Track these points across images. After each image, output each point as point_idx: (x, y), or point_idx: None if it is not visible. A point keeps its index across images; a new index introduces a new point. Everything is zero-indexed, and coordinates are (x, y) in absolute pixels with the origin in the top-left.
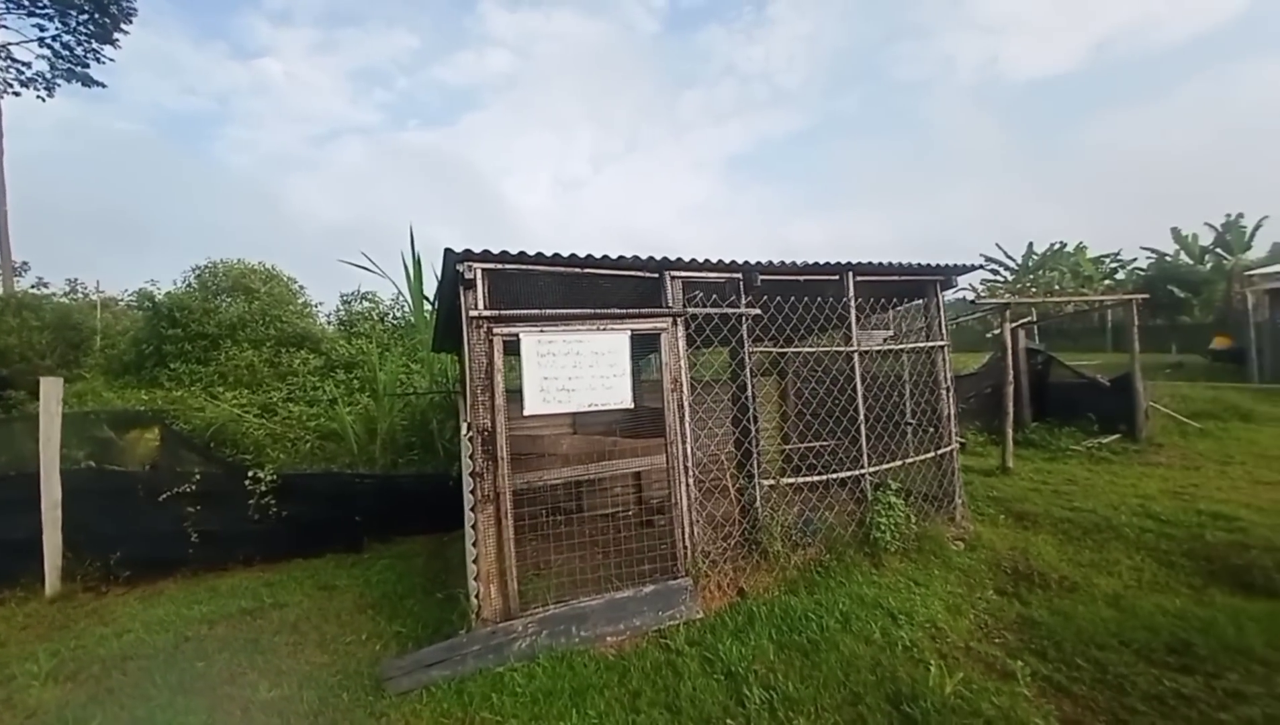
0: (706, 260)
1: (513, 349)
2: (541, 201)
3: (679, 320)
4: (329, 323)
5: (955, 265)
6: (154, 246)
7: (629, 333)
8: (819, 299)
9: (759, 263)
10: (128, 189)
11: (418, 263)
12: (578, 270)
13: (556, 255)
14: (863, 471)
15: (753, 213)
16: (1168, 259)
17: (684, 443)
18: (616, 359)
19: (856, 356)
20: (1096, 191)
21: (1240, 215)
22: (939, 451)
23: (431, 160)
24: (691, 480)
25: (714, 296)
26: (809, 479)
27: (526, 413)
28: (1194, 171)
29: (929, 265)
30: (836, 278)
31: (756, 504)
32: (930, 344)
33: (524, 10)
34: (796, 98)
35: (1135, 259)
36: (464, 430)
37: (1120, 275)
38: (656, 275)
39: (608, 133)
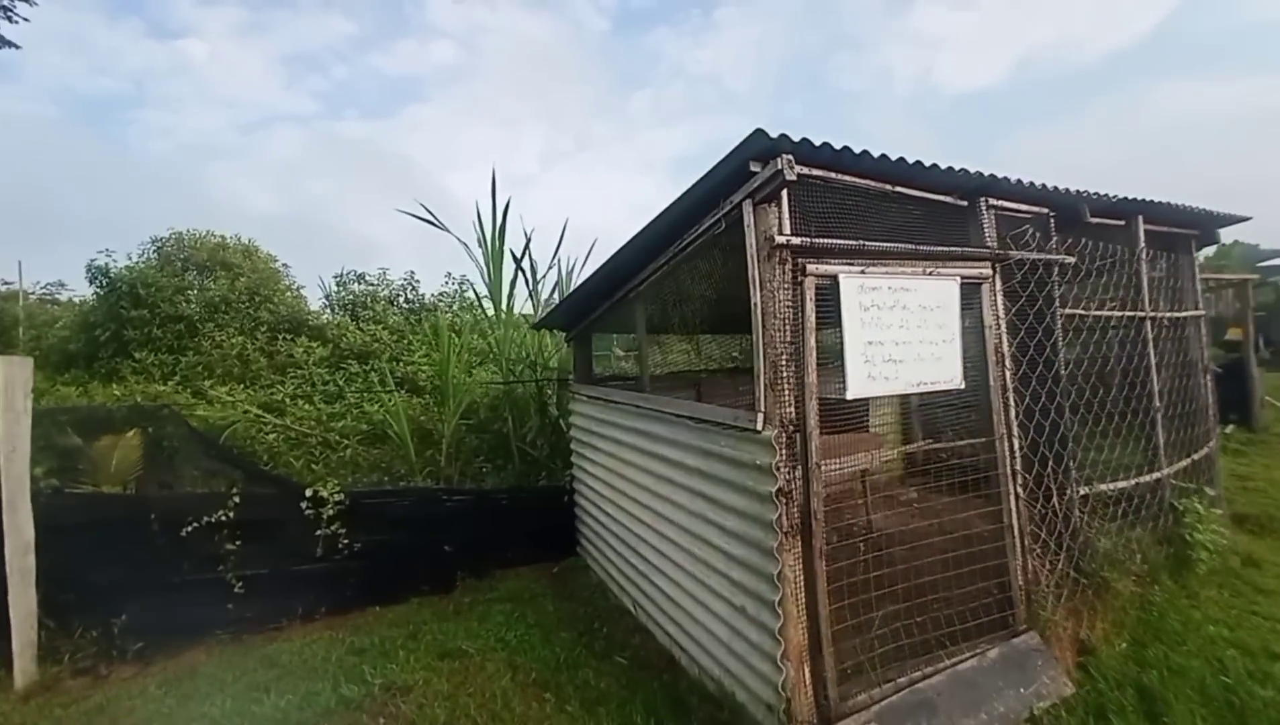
0: (1031, 183)
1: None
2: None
3: (998, 267)
4: (325, 307)
5: (1222, 214)
6: (60, 238)
7: (959, 281)
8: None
9: (1086, 193)
10: (30, 176)
11: (504, 212)
12: (888, 186)
13: (884, 156)
14: (1162, 473)
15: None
16: None
17: (1012, 437)
18: (946, 318)
19: (1149, 323)
20: None
21: None
22: (1197, 453)
23: (371, 152)
24: (1021, 488)
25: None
26: (1118, 485)
27: (850, 396)
28: (1111, 182)
29: (1207, 211)
30: (1123, 223)
31: (1074, 520)
32: (1195, 313)
33: (468, 0)
34: (744, 102)
35: None
36: (759, 423)
37: None
38: (965, 203)
39: (557, 130)
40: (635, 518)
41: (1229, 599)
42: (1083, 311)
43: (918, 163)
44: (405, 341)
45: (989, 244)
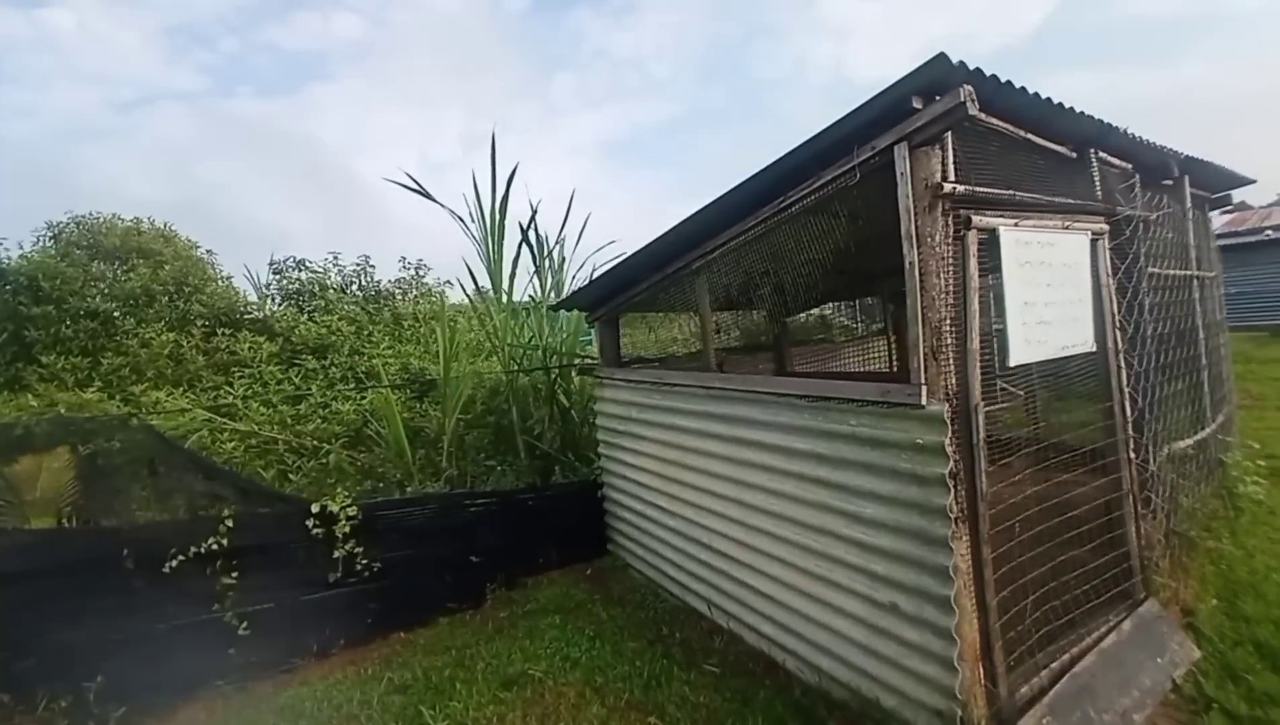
0: (1135, 137)
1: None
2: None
3: (1110, 223)
4: (266, 297)
5: (1240, 176)
6: None
7: (1089, 236)
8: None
9: (1171, 151)
10: None
11: (508, 182)
12: (1021, 131)
13: (1026, 91)
14: (1209, 429)
15: (628, 198)
16: None
17: (1125, 401)
18: (1080, 276)
19: (1196, 283)
20: None
21: None
22: (1228, 409)
23: (270, 133)
24: (1134, 453)
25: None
26: (1187, 443)
27: (1012, 362)
28: None
29: (1233, 173)
30: (1171, 183)
31: (1164, 479)
32: (1215, 274)
33: None
34: (667, 87)
35: None
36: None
37: None
38: (1075, 155)
39: (477, 113)
40: (707, 510)
41: (1274, 547)
42: (1158, 270)
43: (1056, 104)
44: (365, 333)
45: (1098, 197)
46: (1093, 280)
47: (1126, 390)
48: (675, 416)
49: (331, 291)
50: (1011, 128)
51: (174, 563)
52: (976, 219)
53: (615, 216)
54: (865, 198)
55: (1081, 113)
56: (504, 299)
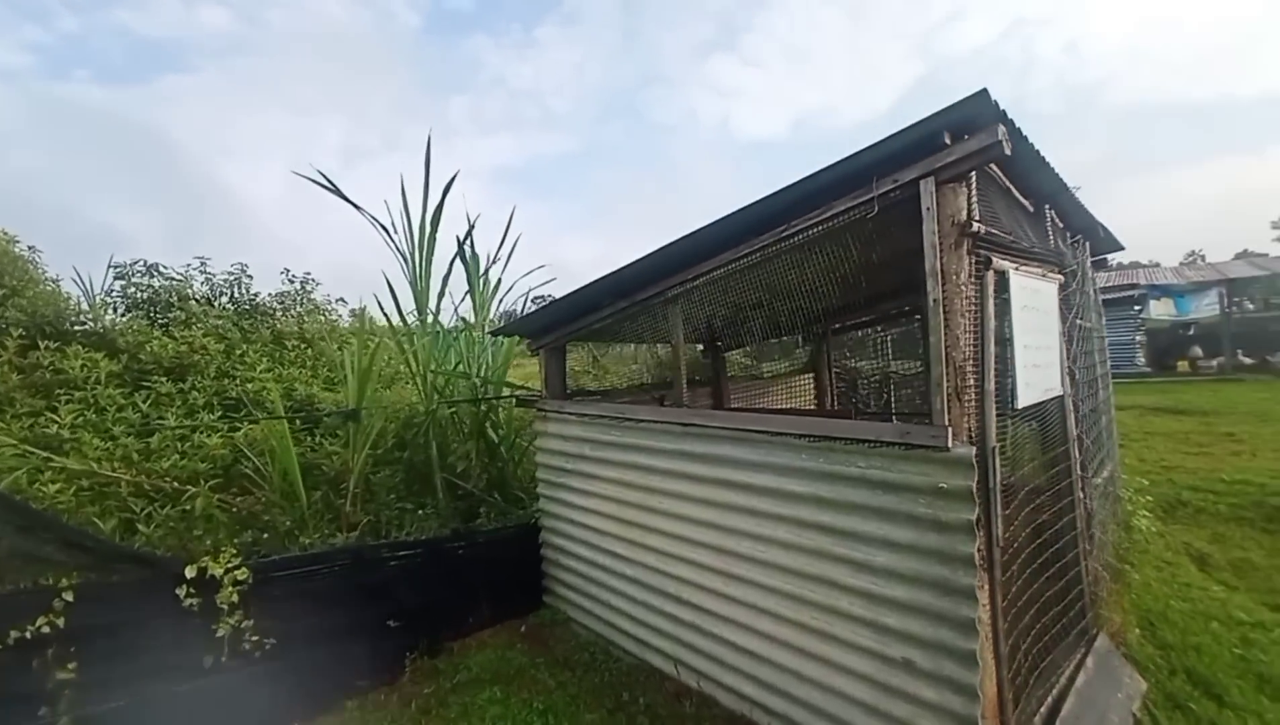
0: (1076, 199)
1: None
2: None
3: (1061, 277)
4: (110, 306)
5: (1117, 246)
6: None
7: (1057, 285)
8: None
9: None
10: None
11: (445, 191)
12: (1008, 182)
13: (1027, 141)
14: (1113, 465)
15: (523, 226)
16: None
17: (1075, 437)
18: (1053, 323)
19: (1094, 335)
20: None
21: None
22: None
23: (111, 124)
24: (1084, 492)
25: None
26: (1102, 477)
27: (1021, 404)
28: None
29: (1118, 243)
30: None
31: (1097, 516)
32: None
33: None
34: (566, 121)
35: None
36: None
37: None
38: (1032, 209)
39: (362, 127)
40: (677, 558)
41: (1165, 576)
42: (1081, 322)
43: (1041, 157)
44: (238, 353)
45: (1051, 250)
46: (1058, 328)
47: (1076, 433)
48: (640, 455)
49: (194, 302)
50: (1001, 175)
51: None
52: (996, 260)
53: (494, 241)
54: (873, 229)
55: (1052, 168)
56: (429, 320)
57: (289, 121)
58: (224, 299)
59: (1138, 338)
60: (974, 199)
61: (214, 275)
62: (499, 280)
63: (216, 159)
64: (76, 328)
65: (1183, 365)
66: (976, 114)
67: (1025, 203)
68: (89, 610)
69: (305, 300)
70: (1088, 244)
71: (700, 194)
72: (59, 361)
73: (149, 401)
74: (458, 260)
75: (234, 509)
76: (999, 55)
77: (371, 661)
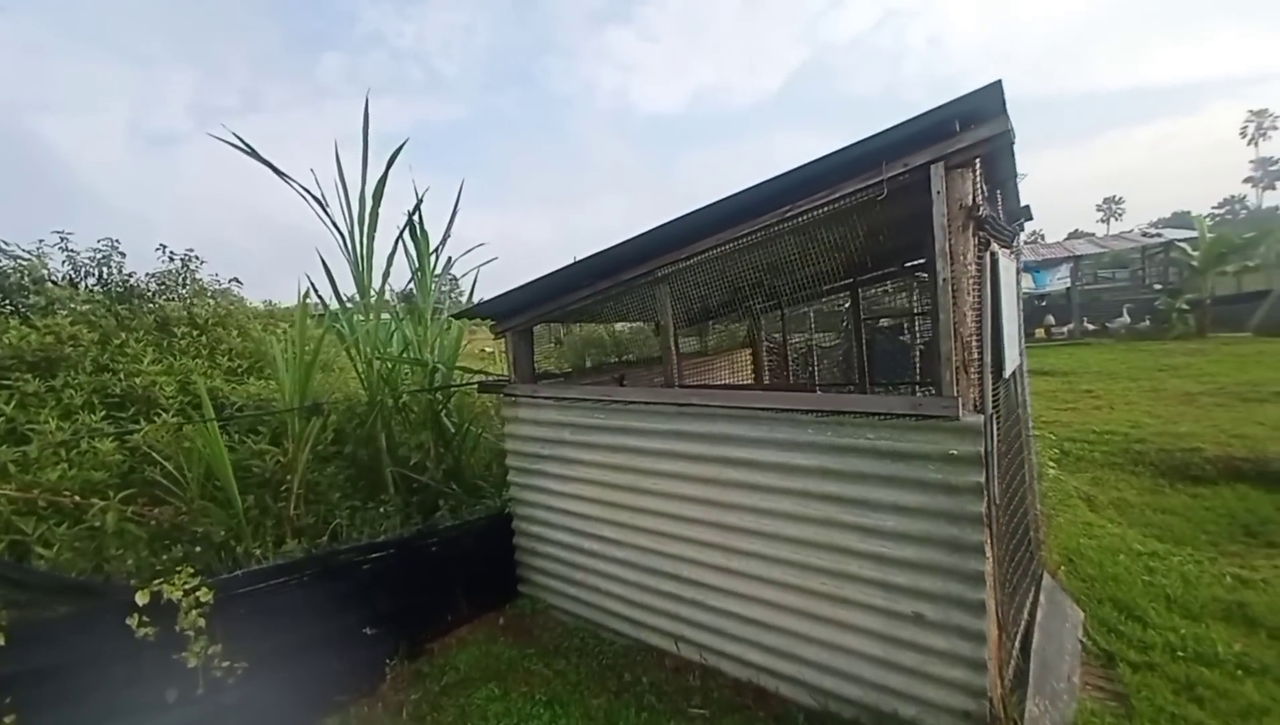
0: (1017, 186)
1: None
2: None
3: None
4: None
5: None
6: None
7: (1016, 265)
8: None
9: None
10: None
11: (391, 160)
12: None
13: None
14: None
15: (412, 197)
16: None
17: (1026, 401)
18: (1014, 297)
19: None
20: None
21: None
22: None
23: None
24: (1032, 449)
25: None
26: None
27: (1006, 374)
28: None
29: None
30: None
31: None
32: None
33: None
34: (454, 87)
35: None
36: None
37: None
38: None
39: (216, 82)
40: (673, 537)
41: (1071, 518)
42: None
43: (1011, 144)
44: (117, 343)
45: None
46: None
47: (1027, 397)
48: (630, 437)
49: (55, 285)
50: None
51: None
52: (992, 243)
53: (395, 218)
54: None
55: (1014, 156)
56: (372, 302)
57: (126, 73)
58: (90, 281)
59: None
60: (980, 183)
61: (77, 252)
62: (449, 258)
63: (34, 114)
64: None
65: (1039, 332)
66: (985, 105)
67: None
68: (24, 653)
69: (190, 281)
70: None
71: (602, 166)
72: None
73: (11, 402)
74: (403, 239)
75: (150, 522)
76: (875, 44)
77: (349, 673)
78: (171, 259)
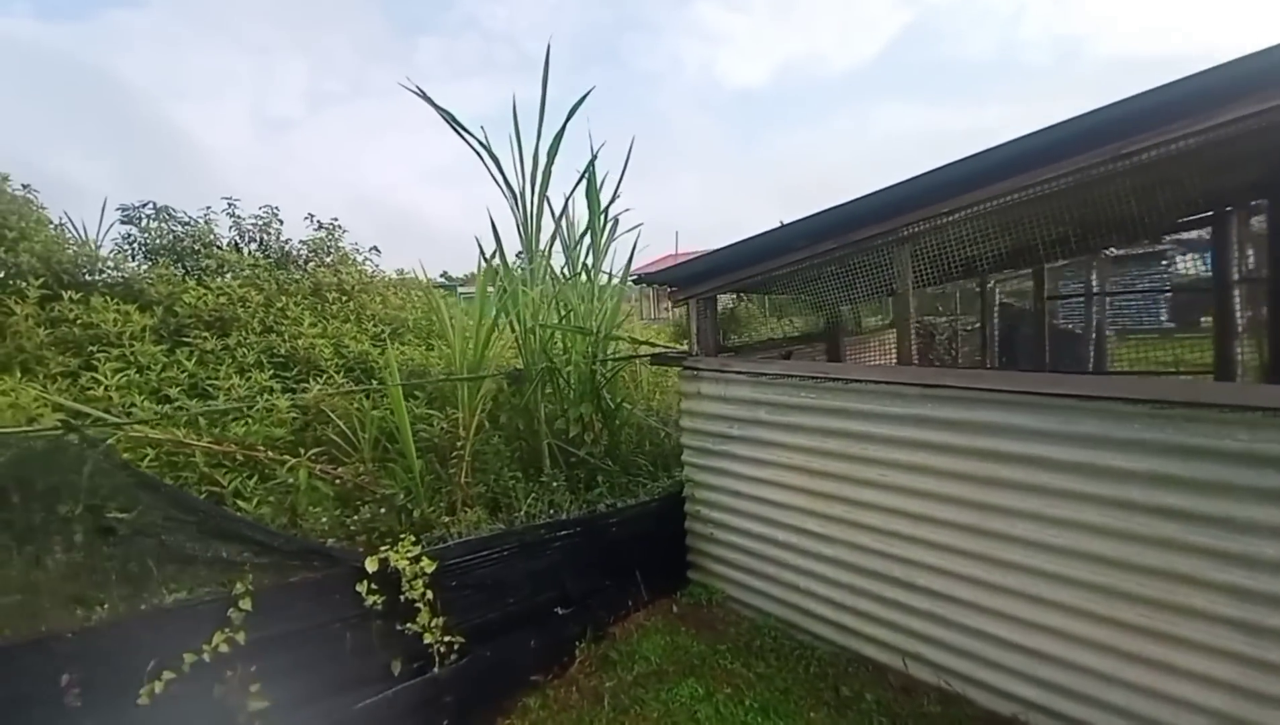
0: None
1: None
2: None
3: None
4: (129, 253)
5: None
6: None
7: None
8: None
9: None
10: None
11: (570, 113)
12: None
13: None
14: None
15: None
16: None
17: None
18: None
19: None
20: (775, 187)
21: None
22: None
23: (54, 63)
24: None
25: None
26: None
27: None
28: (842, 183)
29: None
30: None
31: None
32: None
33: None
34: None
35: None
36: None
37: None
38: None
39: (327, 69)
40: (908, 538)
41: None
42: None
43: None
44: (278, 306)
45: None
46: None
47: None
48: (849, 420)
49: (220, 249)
50: None
51: (156, 684)
52: None
53: (492, 196)
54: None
55: None
56: (543, 267)
57: (247, 61)
58: (252, 246)
59: None
60: None
61: (242, 218)
62: (615, 220)
63: (171, 102)
64: (97, 279)
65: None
66: None
67: None
68: (267, 619)
69: (335, 248)
70: None
71: (685, 144)
72: (87, 315)
73: (193, 359)
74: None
75: (335, 480)
76: (990, 4)
77: (543, 653)
78: (319, 227)
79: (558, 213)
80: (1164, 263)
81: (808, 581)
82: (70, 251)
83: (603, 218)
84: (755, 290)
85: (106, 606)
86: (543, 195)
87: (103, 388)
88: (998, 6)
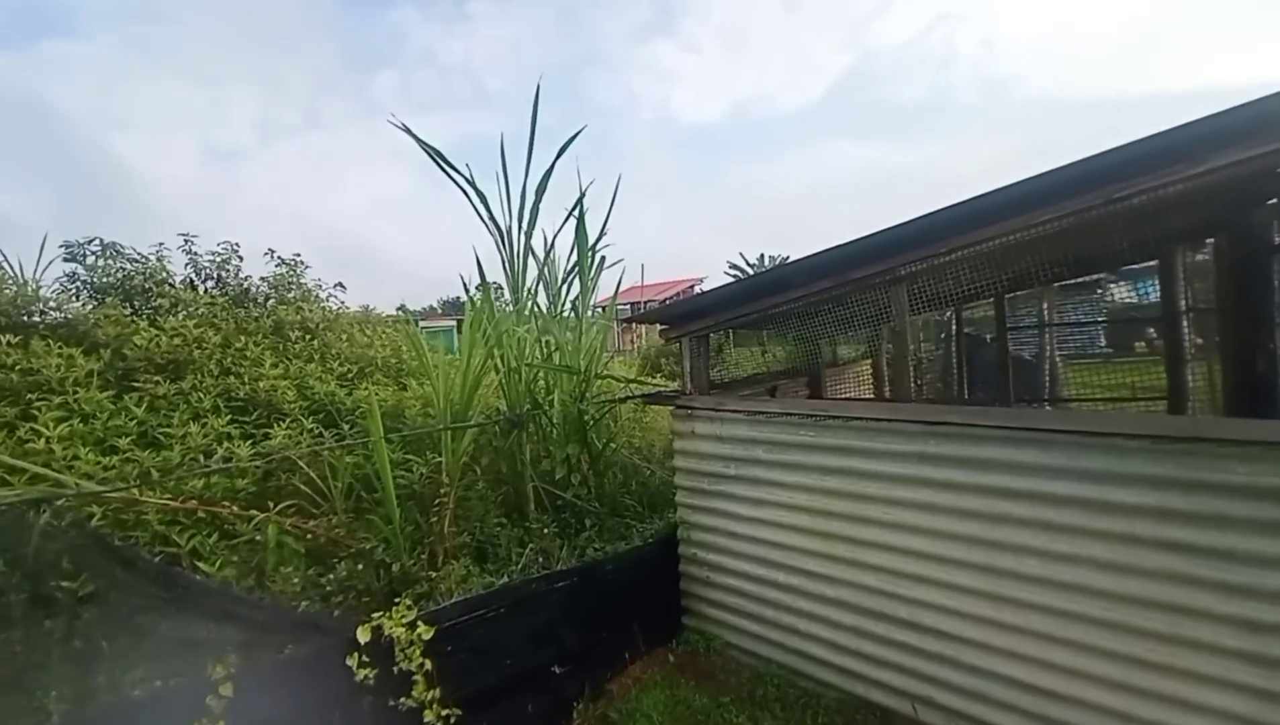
0: None
1: None
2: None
3: None
4: (75, 293)
5: None
6: None
7: None
8: None
9: None
10: None
11: (561, 150)
12: None
13: None
14: None
15: (460, 212)
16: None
17: None
18: None
19: None
20: (731, 221)
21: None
22: None
23: None
24: None
25: None
26: None
27: None
28: (795, 214)
29: None
30: None
31: None
32: None
33: None
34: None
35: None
36: None
37: None
38: None
39: (278, 100)
40: (914, 578)
41: None
42: None
43: None
44: (238, 346)
45: None
46: None
47: None
48: (851, 458)
49: (172, 287)
50: None
51: None
52: None
53: (445, 228)
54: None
55: None
56: (529, 307)
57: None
58: (209, 283)
59: None
60: None
61: (199, 255)
62: (602, 258)
63: (110, 132)
64: (37, 321)
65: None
66: None
67: None
68: (250, 704)
69: (297, 285)
70: None
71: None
72: (26, 360)
73: (143, 405)
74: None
75: (306, 535)
76: (923, 48)
77: (542, 719)
78: (280, 263)
79: (544, 250)
80: (1098, 292)
81: (810, 624)
82: (8, 292)
83: (591, 256)
84: (748, 328)
85: (60, 705)
86: (529, 232)
87: (43, 439)
88: (930, 50)
